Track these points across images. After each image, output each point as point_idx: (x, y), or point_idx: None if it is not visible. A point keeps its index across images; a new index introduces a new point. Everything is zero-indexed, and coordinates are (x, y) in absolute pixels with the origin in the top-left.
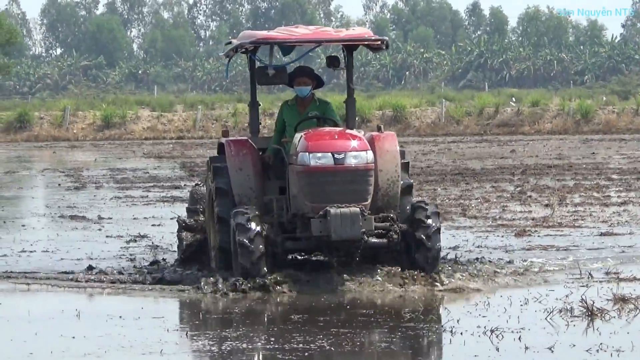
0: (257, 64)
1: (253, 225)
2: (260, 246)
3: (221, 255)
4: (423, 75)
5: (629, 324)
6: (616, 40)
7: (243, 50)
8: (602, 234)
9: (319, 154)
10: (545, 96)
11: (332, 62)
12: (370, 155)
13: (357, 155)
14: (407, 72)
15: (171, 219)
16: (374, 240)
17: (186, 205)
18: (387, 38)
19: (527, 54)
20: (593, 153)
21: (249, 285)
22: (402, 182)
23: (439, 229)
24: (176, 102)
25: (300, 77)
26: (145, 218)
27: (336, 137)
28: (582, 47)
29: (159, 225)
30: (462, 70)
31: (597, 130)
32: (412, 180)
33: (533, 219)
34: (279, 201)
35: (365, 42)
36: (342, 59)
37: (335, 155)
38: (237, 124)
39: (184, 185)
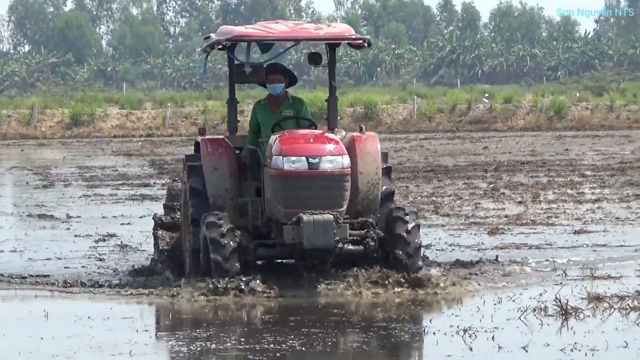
0: (235, 61)
1: (227, 240)
2: (232, 242)
3: (193, 258)
4: (394, 71)
5: (603, 322)
6: (589, 36)
7: (220, 47)
8: (576, 232)
9: (293, 158)
10: (518, 92)
11: (314, 59)
12: (346, 159)
13: (332, 159)
14: (378, 69)
15: (141, 217)
16: (350, 247)
17: (160, 202)
18: (368, 37)
19: (500, 49)
20: (566, 150)
21: (224, 286)
22: (383, 187)
23: (418, 225)
24: (145, 99)
25: (272, 75)
26: (114, 217)
27: (311, 140)
28: (555, 42)
29: (128, 224)
30: (434, 66)
31: (570, 126)
32: (393, 187)
33: (506, 217)
34: (255, 204)
35: (346, 40)
36: (324, 55)
37: (310, 160)
38: (207, 121)
39: (153, 183)
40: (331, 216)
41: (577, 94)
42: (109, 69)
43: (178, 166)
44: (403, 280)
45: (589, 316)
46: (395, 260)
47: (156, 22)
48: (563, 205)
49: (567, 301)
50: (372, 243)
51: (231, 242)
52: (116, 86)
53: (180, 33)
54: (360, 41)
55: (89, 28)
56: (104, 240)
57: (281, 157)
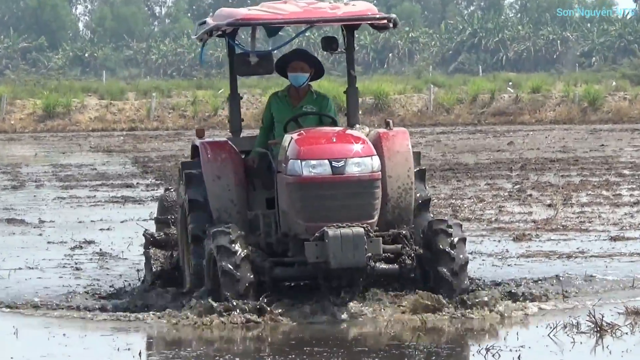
0: (237, 49)
1: (238, 247)
2: (249, 274)
3: (196, 280)
4: (408, 57)
5: None
6: (628, 17)
7: (219, 33)
8: (612, 238)
9: (314, 162)
10: (548, 81)
11: (329, 44)
12: (376, 161)
13: (360, 162)
14: (390, 55)
15: (122, 222)
16: (383, 266)
17: (145, 205)
18: (394, 16)
19: (527, 32)
20: (602, 145)
21: (243, 307)
22: (417, 194)
23: (464, 239)
24: (128, 89)
25: (296, 62)
26: (92, 221)
27: (334, 139)
28: (589, 24)
29: (108, 229)
30: (453, 51)
31: (606, 119)
32: (429, 193)
33: (534, 222)
34: (267, 217)
35: (369, 21)
36: (341, 39)
37: (334, 163)
38: (197, 113)
39: (137, 183)
40: (361, 229)
41: (614, 83)
42: (86, 54)
43: (164, 164)
44: (447, 302)
45: (626, 333)
46: (437, 280)
47: (140, 1)
48: (598, 209)
49: (602, 316)
50: (409, 261)
51: (242, 249)
52: (95, 74)
53: (167, 14)
54: (385, 21)
55: (64, 8)
56: (81, 247)
57: (299, 161)
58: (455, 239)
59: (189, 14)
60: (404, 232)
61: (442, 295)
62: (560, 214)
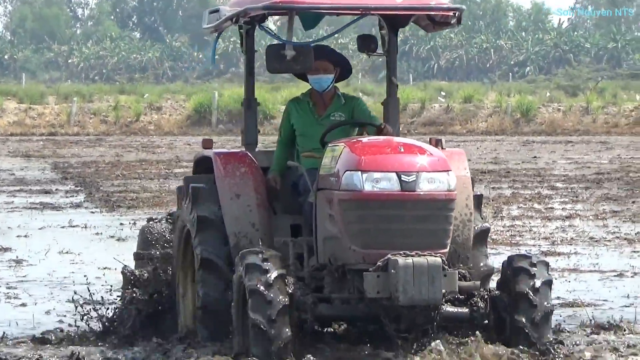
0: (261, 41)
1: (272, 266)
2: (282, 296)
3: (205, 318)
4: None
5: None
6: (563, 26)
7: (247, 19)
8: (543, 253)
9: (378, 175)
10: (480, 91)
11: (367, 44)
12: (453, 179)
13: (434, 177)
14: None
15: (40, 229)
16: (450, 309)
17: (64, 211)
18: (463, 7)
19: (460, 41)
20: (535, 157)
21: None
22: (475, 224)
23: (550, 281)
24: (48, 92)
25: (318, 61)
26: (9, 228)
27: (401, 149)
28: (524, 33)
29: (25, 236)
30: (383, 59)
31: (539, 131)
32: (488, 223)
33: None
34: (297, 246)
35: (433, 12)
36: (381, 39)
37: (403, 177)
38: (119, 118)
39: (56, 189)
40: (439, 259)
41: (548, 94)
42: (5, 56)
43: (84, 170)
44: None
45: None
46: (513, 330)
47: (62, 3)
48: (529, 222)
49: None
50: (482, 304)
51: (281, 296)
52: (14, 77)
53: (90, 16)
54: (451, 13)
55: None
56: None
57: (359, 172)
58: (539, 282)
59: (112, 17)
60: (462, 271)
61: (520, 325)
62: (491, 228)
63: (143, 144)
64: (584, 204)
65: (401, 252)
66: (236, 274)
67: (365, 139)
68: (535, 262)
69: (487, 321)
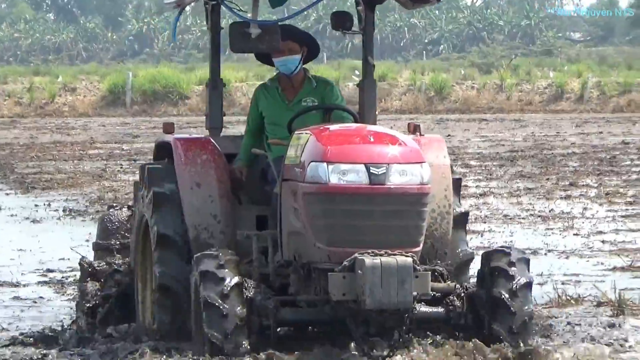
0: (221, 19)
1: (228, 272)
2: (239, 307)
3: (162, 298)
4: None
5: None
6: (477, 4)
7: None
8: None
9: (346, 166)
10: (394, 69)
11: (342, 21)
12: (427, 171)
13: (407, 170)
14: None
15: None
16: (425, 309)
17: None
18: None
19: None
20: (448, 135)
21: None
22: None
23: (530, 283)
24: None
25: (282, 42)
26: None
27: (371, 138)
28: (437, 12)
29: None
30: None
31: (453, 108)
32: (462, 207)
33: None
34: (261, 240)
35: None
36: (358, 16)
37: (372, 169)
38: (33, 100)
39: None
40: (409, 259)
41: (462, 72)
42: None
43: None
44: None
45: None
46: (491, 336)
47: None
48: None
49: None
50: (459, 303)
51: (238, 309)
52: None
53: None
54: None
55: None
56: None
57: (325, 164)
58: (517, 285)
59: None
60: (440, 269)
61: (499, 334)
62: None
63: (58, 125)
64: (498, 182)
65: (369, 251)
66: (192, 279)
67: (333, 127)
68: (514, 260)
69: (464, 321)
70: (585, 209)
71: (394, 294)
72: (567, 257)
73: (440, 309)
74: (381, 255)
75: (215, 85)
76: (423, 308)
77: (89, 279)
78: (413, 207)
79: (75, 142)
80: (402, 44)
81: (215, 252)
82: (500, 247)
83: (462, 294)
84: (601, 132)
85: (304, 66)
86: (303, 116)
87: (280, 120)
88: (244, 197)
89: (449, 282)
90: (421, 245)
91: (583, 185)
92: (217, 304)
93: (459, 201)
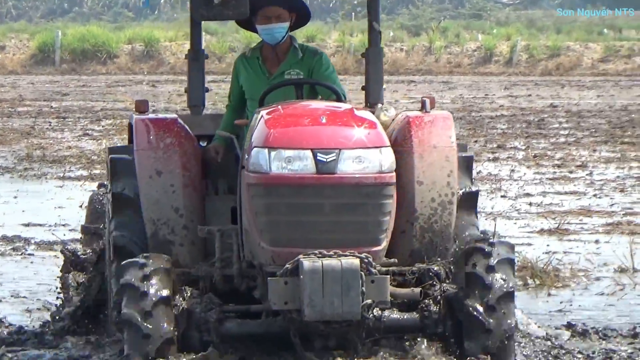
0: None
1: (152, 261)
2: (165, 326)
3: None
4: (181, 4)
5: None
6: None
7: None
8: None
9: (289, 153)
10: (323, 30)
11: None
12: (387, 157)
13: (361, 156)
14: (162, 1)
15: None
16: (395, 315)
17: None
18: None
19: None
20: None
21: None
22: (460, 190)
23: (511, 260)
24: None
25: (267, 7)
26: None
27: (323, 120)
28: None
29: None
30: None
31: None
32: (476, 187)
33: None
34: (227, 236)
35: None
36: None
37: (319, 156)
38: None
39: None
40: (355, 261)
41: (391, 33)
42: None
43: None
44: None
45: None
46: (466, 320)
47: None
48: None
49: None
50: (434, 308)
51: (164, 327)
52: None
53: None
54: None
55: None
56: None
57: (266, 150)
58: (495, 260)
59: None
60: (435, 268)
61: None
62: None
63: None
64: None
65: (316, 252)
66: (113, 291)
67: (287, 104)
68: (494, 241)
69: (442, 329)
70: (512, 171)
71: (338, 303)
72: (494, 219)
73: (414, 315)
74: (328, 256)
75: (196, 56)
76: (395, 314)
77: (71, 268)
78: (371, 200)
79: (3, 99)
80: (331, 5)
81: (143, 259)
82: (481, 241)
83: (439, 297)
84: (530, 95)
85: (289, 34)
86: (279, 91)
87: (259, 91)
88: (222, 185)
89: (423, 286)
90: (384, 243)
91: (511, 147)
92: (137, 323)
93: (471, 182)
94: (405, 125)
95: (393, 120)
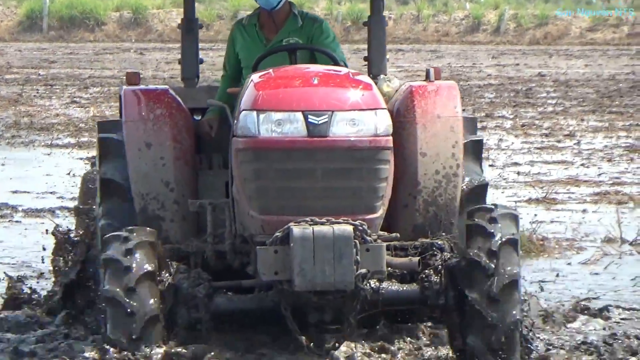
0: None
1: (136, 235)
2: (150, 302)
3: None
4: None
5: None
6: None
7: None
8: None
9: (279, 115)
10: None
11: None
12: (383, 119)
13: (355, 118)
14: None
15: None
16: (394, 287)
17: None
18: None
19: None
20: (364, 66)
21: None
22: (467, 179)
23: (515, 241)
24: None
25: None
26: None
27: (315, 81)
28: None
29: None
30: None
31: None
32: (485, 177)
33: None
34: (219, 209)
35: None
36: None
37: (311, 118)
38: None
39: None
40: (349, 227)
41: None
42: None
43: None
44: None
45: None
46: (468, 311)
47: None
48: None
49: None
50: (435, 278)
51: (149, 304)
52: None
53: None
54: None
55: None
56: None
57: (254, 113)
58: (497, 243)
59: None
60: (439, 242)
61: (474, 346)
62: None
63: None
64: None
65: (308, 219)
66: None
67: (279, 68)
68: (496, 216)
69: (444, 300)
70: (500, 140)
71: (329, 272)
72: None
73: (414, 286)
74: (320, 223)
75: (190, 27)
76: (394, 286)
77: (62, 250)
78: (365, 164)
79: None
80: None
81: (127, 233)
82: (481, 206)
83: (440, 267)
84: (517, 64)
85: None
86: (274, 58)
87: (254, 59)
88: (216, 160)
89: (422, 256)
90: (380, 211)
91: (499, 116)
92: (120, 300)
93: (481, 169)
94: (408, 95)
95: (396, 91)
